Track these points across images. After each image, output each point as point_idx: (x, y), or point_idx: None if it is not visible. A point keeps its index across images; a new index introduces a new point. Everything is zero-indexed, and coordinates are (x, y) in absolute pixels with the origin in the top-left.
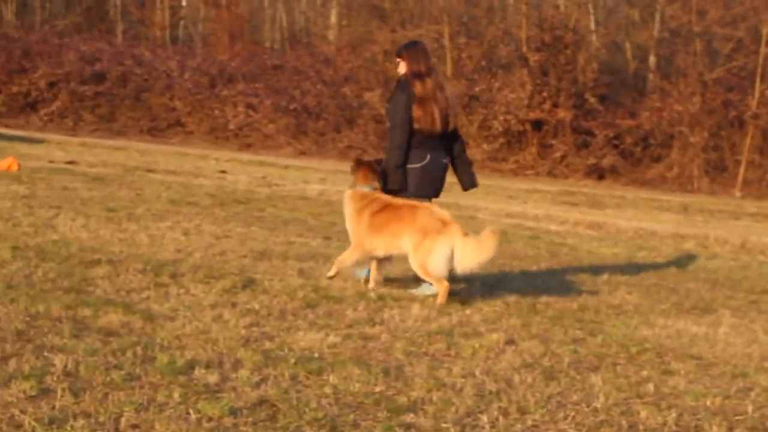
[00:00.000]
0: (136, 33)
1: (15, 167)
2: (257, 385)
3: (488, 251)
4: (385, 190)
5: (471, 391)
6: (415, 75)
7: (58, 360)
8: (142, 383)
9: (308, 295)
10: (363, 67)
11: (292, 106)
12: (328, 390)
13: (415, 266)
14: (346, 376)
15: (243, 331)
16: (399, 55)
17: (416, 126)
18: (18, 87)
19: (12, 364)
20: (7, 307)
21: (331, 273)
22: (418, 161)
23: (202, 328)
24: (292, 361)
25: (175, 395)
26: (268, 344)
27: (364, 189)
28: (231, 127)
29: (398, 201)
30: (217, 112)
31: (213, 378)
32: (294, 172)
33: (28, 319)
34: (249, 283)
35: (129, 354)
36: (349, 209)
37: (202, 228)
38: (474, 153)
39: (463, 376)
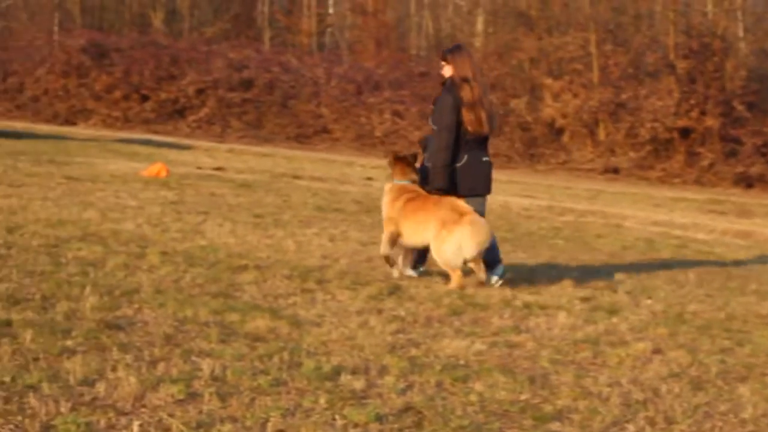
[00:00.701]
0: (283, 40)
1: (164, 173)
2: (403, 392)
3: (481, 235)
4: (431, 188)
5: (617, 400)
6: (464, 79)
7: (206, 364)
8: (289, 388)
9: (454, 302)
10: (509, 75)
11: None
12: (473, 397)
13: (433, 254)
14: (491, 384)
15: (389, 338)
16: (444, 59)
17: (468, 129)
18: (166, 94)
19: (160, 368)
20: (156, 312)
21: (389, 269)
22: (458, 162)
23: (348, 334)
24: (438, 368)
25: (322, 401)
26: (414, 351)
27: (402, 182)
28: (377, 134)
29: (429, 195)
30: (363, 119)
31: (359, 384)
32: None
33: (176, 323)
34: (395, 290)
35: (276, 359)
36: (386, 199)
37: (348, 234)
38: (620, 161)
39: (610, 385)
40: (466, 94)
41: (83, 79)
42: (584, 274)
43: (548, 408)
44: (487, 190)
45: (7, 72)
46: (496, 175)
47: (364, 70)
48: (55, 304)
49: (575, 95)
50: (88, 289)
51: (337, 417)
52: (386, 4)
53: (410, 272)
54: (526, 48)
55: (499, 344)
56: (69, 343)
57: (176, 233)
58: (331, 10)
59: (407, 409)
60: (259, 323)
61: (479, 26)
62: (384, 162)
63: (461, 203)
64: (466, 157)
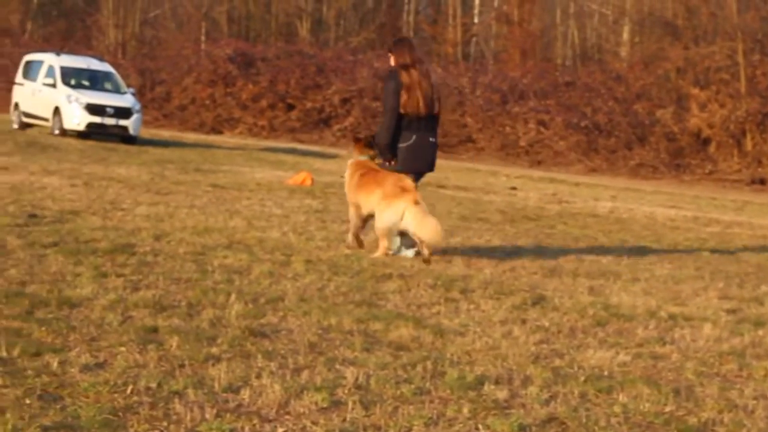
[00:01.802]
0: (428, 50)
1: (309, 182)
2: (546, 402)
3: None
4: (382, 166)
5: (763, 413)
6: (402, 66)
7: (350, 373)
8: (432, 398)
9: (598, 313)
10: (655, 84)
11: (583, 123)
12: (617, 409)
13: (375, 221)
14: (635, 396)
15: (532, 348)
16: (389, 51)
17: (402, 110)
18: (312, 103)
19: (304, 375)
20: (300, 320)
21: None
22: (405, 141)
23: (492, 343)
24: (582, 378)
25: (465, 410)
26: (557, 361)
27: (361, 158)
28: (522, 143)
29: (381, 170)
30: (508, 128)
31: (502, 394)
32: (584, 190)
33: (320, 331)
34: (539, 300)
35: (419, 368)
36: (347, 173)
37: (492, 244)
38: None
39: (755, 398)
40: (404, 78)
41: (230, 89)
42: (730, 285)
43: (693, 420)
44: (429, 168)
45: (155, 81)
46: (642, 185)
47: (509, 80)
48: (200, 311)
49: (722, 105)
50: (233, 297)
51: (480, 427)
52: (532, 13)
53: (407, 253)
54: (673, 58)
55: (644, 355)
56: (214, 350)
57: (321, 242)
58: (476, 20)
59: (551, 419)
60: (403, 332)
61: (625, 36)
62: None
63: (406, 180)
64: (414, 137)
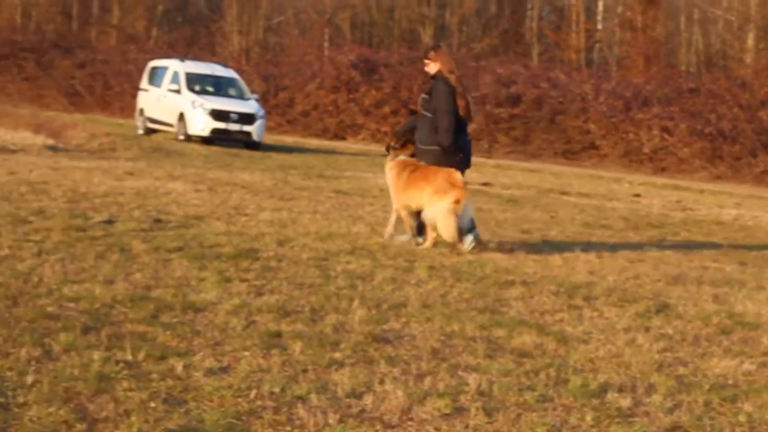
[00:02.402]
0: (551, 56)
1: None
2: (670, 411)
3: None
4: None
5: None
6: (450, 72)
7: (472, 379)
8: (555, 405)
9: (723, 321)
10: None
11: (707, 130)
12: (742, 418)
13: (424, 214)
14: (761, 405)
15: (656, 356)
16: (428, 57)
17: (460, 113)
18: None
19: (427, 381)
20: (423, 326)
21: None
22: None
23: (615, 351)
24: (706, 387)
25: (588, 418)
26: (681, 370)
27: (403, 157)
28: (645, 150)
29: (429, 166)
30: (631, 135)
31: (625, 402)
32: (709, 197)
33: (443, 337)
34: (663, 308)
35: (542, 375)
36: (393, 174)
37: (615, 251)
38: None
39: None
40: (456, 84)
41: (352, 94)
42: None
43: None
44: (468, 165)
45: (279, 87)
46: (766, 192)
47: (633, 86)
48: (324, 316)
49: None
50: (356, 302)
51: None
52: (656, 19)
53: (403, 238)
54: None
55: None
56: (337, 355)
57: (444, 248)
58: (599, 26)
59: (674, 428)
60: (526, 339)
61: (750, 42)
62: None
63: (456, 175)
64: (459, 138)
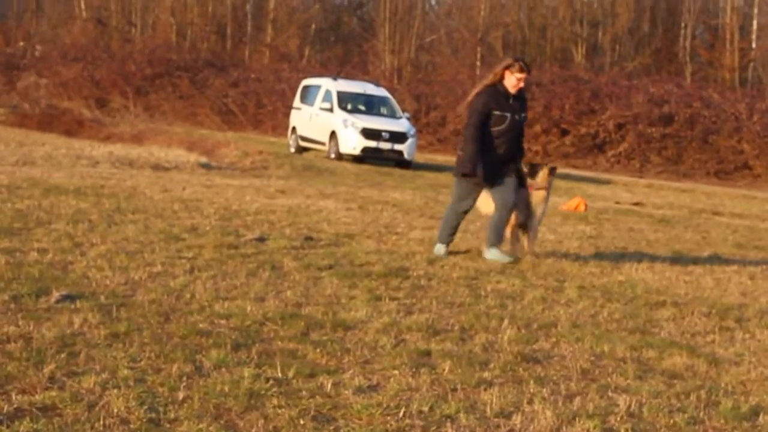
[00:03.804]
0: (704, 75)
1: (582, 207)
2: None
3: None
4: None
5: None
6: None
7: (622, 400)
8: (706, 427)
9: None
10: None
11: None
12: None
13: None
14: None
15: None
16: (529, 72)
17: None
18: (586, 128)
19: (576, 402)
20: (573, 346)
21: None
22: None
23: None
24: None
25: None
26: None
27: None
28: None
29: None
30: None
31: None
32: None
33: (593, 358)
34: None
35: (693, 397)
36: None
37: None
38: None
39: None
40: None
41: None
42: None
43: None
44: None
45: (430, 106)
46: None
47: None
48: (473, 335)
49: None
50: (506, 322)
51: None
52: None
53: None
54: None
55: None
56: (486, 374)
57: (594, 267)
58: (754, 45)
59: None
60: (677, 360)
61: None
62: None
63: None
64: None
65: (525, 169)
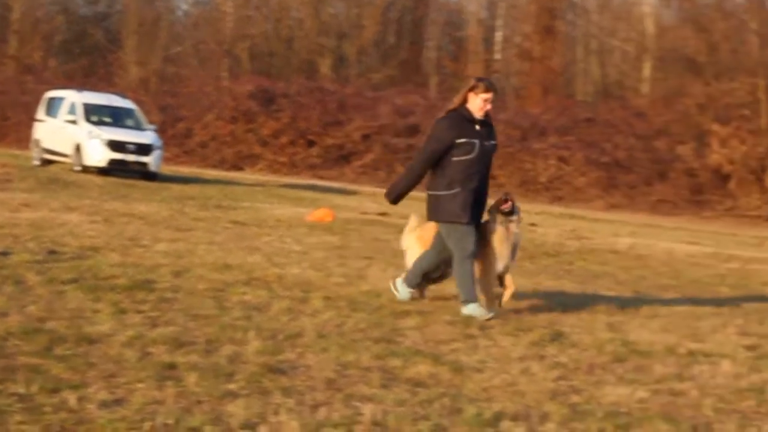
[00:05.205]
0: (450, 86)
1: (329, 218)
2: None
3: None
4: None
5: None
6: None
7: (367, 409)
8: None
9: (617, 349)
10: (676, 121)
11: (603, 159)
12: None
13: None
14: None
15: (550, 385)
16: (496, 92)
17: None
18: (332, 139)
19: (322, 412)
20: (319, 356)
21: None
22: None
23: (510, 380)
24: (600, 415)
25: None
26: (575, 398)
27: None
28: (542, 179)
29: None
30: (528, 164)
31: (520, 431)
32: (604, 226)
33: (338, 368)
34: (557, 337)
35: (436, 405)
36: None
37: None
38: None
39: None
40: None
41: (250, 125)
42: (749, 321)
43: None
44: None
45: (177, 118)
46: (661, 221)
47: (530, 116)
48: (219, 347)
49: (742, 141)
50: (251, 333)
51: None
52: (553, 50)
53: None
54: (694, 94)
55: (662, 392)
56: (232, 386)
57: (340, 278)
58: (497, 56)
59: None
60: (421, 369)
61: (646, 72)
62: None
63: None
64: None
65: (504, 207)
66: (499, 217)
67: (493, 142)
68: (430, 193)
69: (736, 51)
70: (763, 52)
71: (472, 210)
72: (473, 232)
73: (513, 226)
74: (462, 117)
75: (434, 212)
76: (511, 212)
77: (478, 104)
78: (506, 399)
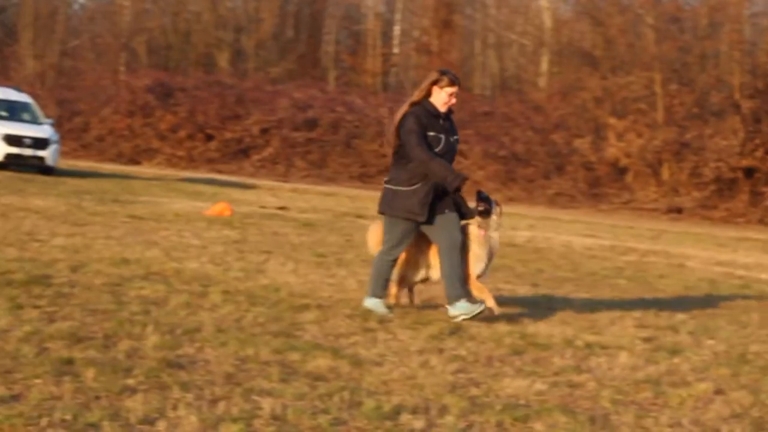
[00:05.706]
0: (348, 80)
1: (227, 212)
2: None
3: None
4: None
5: None
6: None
7: (267, 404)
8: (349, 428)
9: (515, 342)
10: (573, 114)
11: (501, 153)
12: None
13: None
14: (551, 424)
15: (449, 377)
16: (460, 85)
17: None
18: (231, 133)
19: (221, 406)
20: (217, 351)
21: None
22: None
23: (409, 373)
24: (498, 407)
25: None
26: (474, 390)
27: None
28: None
29: None
30: None
31: (419, 424)
32: (503, 219)
33: (237, 362)
34: (456, 330)
35: (336, 399)
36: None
37: None
38: (684, 201)
39: (671, 426)
40: None
41: (148, 119)
42: (646, 314)
43: None
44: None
45: (73, 112)
46: (559, 214)
47: None
48: (116, 342)
49: (639, 135)
50: (149, 328)
51: None
52: (451, 44)
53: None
54: (591, 87)
55: (560, 384)
56: (130, 381)
57: (239, 272)
58: (396, 50)
59: None
60: (320, 362)
61: (544, 66)
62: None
63: None
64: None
65: (480, 207)
66: (476, 219)
67: (456, 137)
68: (389, 186)
69: (632, 45)
70: (659, 47)
71: (429, 209)
72: (410, 234)
73: (491, 228)
74: (426, 111)
75: (388, 206)
76: (488, 212)
77: (442, 98)
78: (405, 392)
